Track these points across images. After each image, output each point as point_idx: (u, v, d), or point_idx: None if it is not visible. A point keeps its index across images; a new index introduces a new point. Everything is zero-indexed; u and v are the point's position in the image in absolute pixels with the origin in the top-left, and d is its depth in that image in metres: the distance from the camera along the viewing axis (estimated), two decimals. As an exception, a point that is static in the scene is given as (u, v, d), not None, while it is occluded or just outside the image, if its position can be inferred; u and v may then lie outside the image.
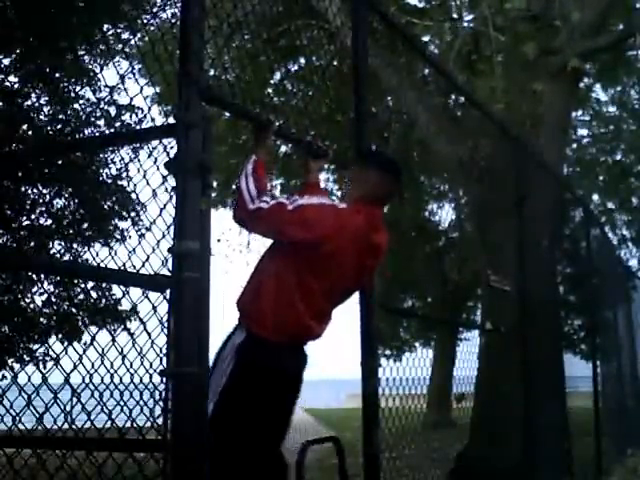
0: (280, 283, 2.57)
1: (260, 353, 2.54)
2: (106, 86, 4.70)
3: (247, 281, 2.67)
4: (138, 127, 4.65)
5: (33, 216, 4.46)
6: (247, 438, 2.50)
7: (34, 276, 4.21)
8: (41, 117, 4.52)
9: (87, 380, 2.37)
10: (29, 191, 4.34)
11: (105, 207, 4.53)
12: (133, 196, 4.12)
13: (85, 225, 4.45)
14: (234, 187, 12.90)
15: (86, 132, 4.55)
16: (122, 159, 4.32)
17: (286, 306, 2.56)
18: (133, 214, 4.42)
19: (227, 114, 6.91)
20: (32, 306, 4.56)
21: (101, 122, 4.64)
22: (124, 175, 4.29)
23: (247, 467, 2.49)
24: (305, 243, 2.55)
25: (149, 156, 2.35)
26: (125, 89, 2.74)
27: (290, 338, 2.61)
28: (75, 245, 4.45)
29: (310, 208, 2.57)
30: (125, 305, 4.16)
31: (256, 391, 2.52)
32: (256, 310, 2.57)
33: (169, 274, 1.99)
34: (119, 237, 4.55)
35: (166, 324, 2.04)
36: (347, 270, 2.67)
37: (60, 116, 4.57)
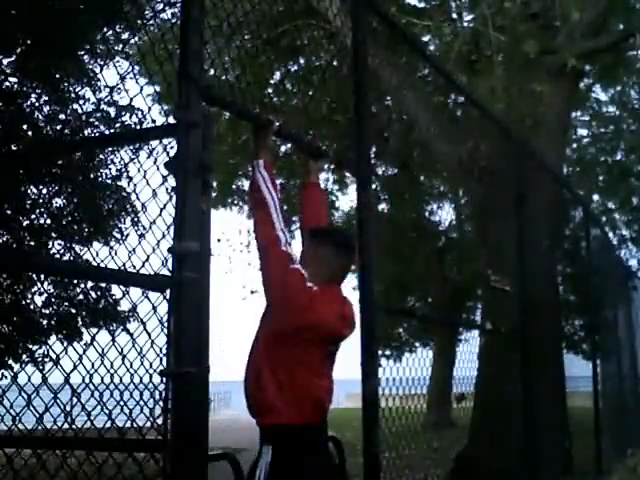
0: (280, 371, 2.62)
1: (290, 439, 2.61)
2: (106, 86, 4.70)
3: (247, 368, 2.72)
4: (138, 127, 4.65)
5: (33, 216, 4.46)
6: None
7: (34, 276, 4.21)
8: (41, 117, 4.52)
9: (87, 380, 2.36)
10: (29, 191, 4.34)
11: (105, 207, 4.54)
12: (133, 196, 4.12)
13: (85, 225, 4.45)
14: (234, 187, 12.92)
15: (86, 132, 4.55)
16: (122, 159, 4.32)
17: (292, 388, 2.61)
18: (133, 214, 4.42)
19: (227, 114, 6.91)
20: (32, 306, 4.56)
21: (101, 122, 4.64)
22: (124, 175, 4.29)
23: None
24: (295, 325, 2.63)
25: (149, 156, 2.35)
26: (126, 90, 2.74)
27: (306, 417, 2.66)
28: (75, 245, 4.45)
29: (302, 281, 2.63)
30: (125, 305, 4.16)
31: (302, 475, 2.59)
32: (266, 402, 2.62)
33: (169, 274, 1.99)
34: (119, 237, 4.54)
35: (166, 324, 2.04)
36: (333, 338, 2.79)
37: (60, 116, 4.57)
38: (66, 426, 2.42)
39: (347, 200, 16.72)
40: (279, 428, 2.60)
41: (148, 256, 2.24)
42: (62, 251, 4.43)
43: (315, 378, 2.70)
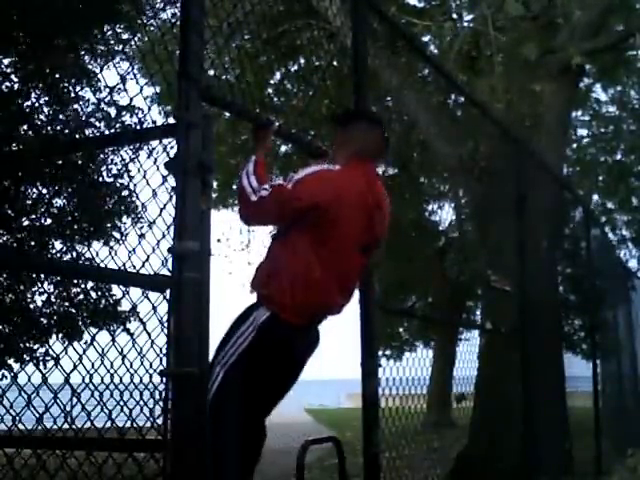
0: (295, 262, 2.58)
1: (281, 334, 2.56)
2: (106, 87, 4.70)
3: (260, 265, 2.69)
4: (138, 127, 4.64)
5: (33, 216, 4.46)
6: (245, 404, 2.54)
7: (34, 276, 4.21)
8: (41, 117, 4.52)
9: (87, 380, 2.36)
10: (29, 191, 4.34)
11: (105, 207, 4.53)
12: (133, 196, 4.12)
13: (85, 225, 4.45)
14: (235, 187, 12.91)
15: (86, 132, 4.55)
16: (122, 159, 4.32)
17: (305, 284, 2.57)
18: (133, 214, 4.42)
19: (227, 114, 6.91)
20: (32, 306, 4.56)
21: (101, 123, 4.64)
22: (124, 175, 4.29)
23: (236, 429, 2.51)
24: (312, 213, 2.56)
25: (149, 156, 2.35)
26: (126, 90, 2.74)
27: (310, 318, 2.65)
28: (75, 245, 4.44)
29: (308, 178, 2.60)
30: (125, 305, 4.15)
31: (267, 365, 2.56)
32: (275, 292, 2.57)
33: (169, 274, 1.99)
34: (119, 237, 4.54)
35: (166, 324, 2.04)
36: (358, 228, 2.68)
37: (60, 116, 4.57)
38: (66, 426, 2.42)
39: (347, 200, 16.67)
40: (281, 320, 2.55)
41: (148, 256, 2.24)
42: (62, 251, 4.43)
43: (336, 291, 2.65)
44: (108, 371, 2.40)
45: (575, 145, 13.87)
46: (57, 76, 4.34)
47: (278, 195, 2.54)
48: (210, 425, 2.10)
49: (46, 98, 4.38)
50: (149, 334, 2.16)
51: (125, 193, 4.48)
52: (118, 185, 4.52)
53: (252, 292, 2.64)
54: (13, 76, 4.33)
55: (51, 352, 4.27)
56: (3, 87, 4.19)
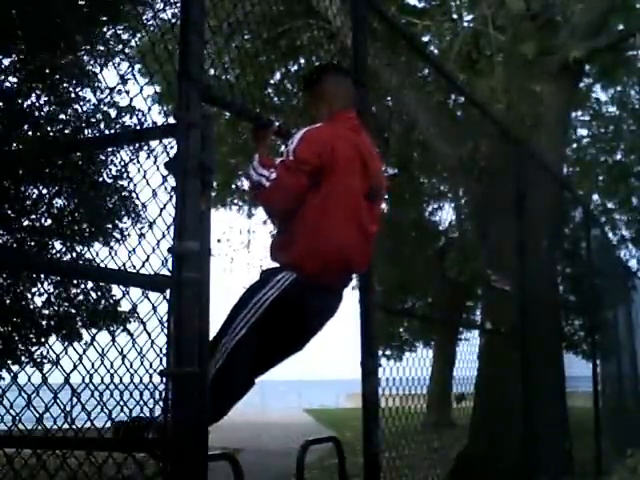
0: (309, 220, 2.60)
1: (311, 293, 2.58)
2: (107, 87, 4.70)
3: (275, 234, 2.75)
4: (138, 127, 4.64)
5: (33, 216, 4.46)
6: (252, 354, 2.54)
7: (34, 276, 4.21)
8: (41, 117, 4.52)
9: (87, 380, 2.36)
10: (29, 191, 4.34)
11: (105, 207, 4.53)
12: (133, 196, 4.12)
13: (85, 225, 4.45)
14: (234, 187, 12.92)
15: (86, 132, 4.55)
16: (122, 159, 4.32)
17: (322, 239, 2.59)
18: (133, 214, 4.42)
19: (227, 114, 6.91)
20: (32, 306, 4.56)
21: (101, 123, 4.64)
22: (124, 175, 4.29)
23: (233, 373, 2.51)
24: (320, 171, 2.59)
25: (149, 156, 2.35)
26: (126, 90, 2.74)
27: (335, 274, 2.66)
28: (75, 245, 4.45)
29: (303, 142, 2.62)
30: (125, 305, 4.16)
31: (285, 322, 2.57)
32: (295, 255, 2.59)
33: (169, 274, 1.99)
34: (119, 237, 4.54)
35: (166, 324, 2.04)
36: (358, 176, 2.71)
37: (60, 116, 4.57)
38: (66, 426, 2.42)
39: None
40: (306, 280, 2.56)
41: (148, 256, 2.24)
42: (62, 251, 4.43)
43: (342, 227, 2.65)
44: (108, 371, 2.39)
45: (575, 145, 13.87)
46: (57, 76, 4.34)
47: (286, 170, 2.57)
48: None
49: (46, 98, 4.38)
50: (149, 334, 2.16)
51: (125, 193, 4.49)
52: (118, 185, 4.52)
53: (274, 261, 2.65)
54: (12, 76, 4.33)
55: (51, 353, 4.27)
56: (3, 87, 4.19)
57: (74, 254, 4.29)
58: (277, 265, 2.63)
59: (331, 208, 2.60)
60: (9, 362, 4.68)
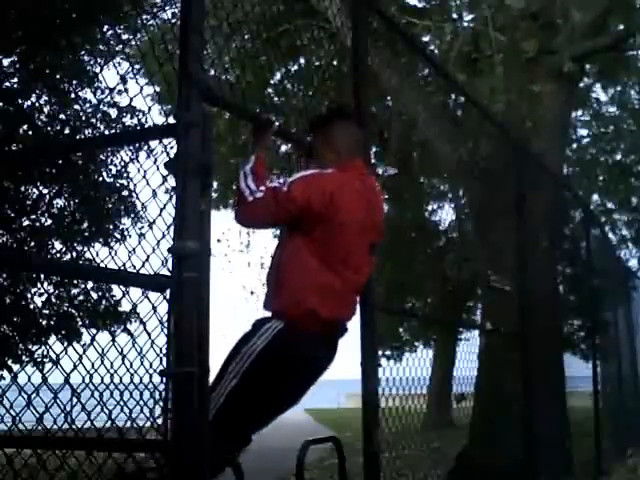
0: (302, 268, 2.56)
1: (296, 344, 2.53)
2: (107, 87, 4.70)
3: (267, 278, 2.69)
4: (138, 127, 4.65)
5: (34, 216, 4.46)
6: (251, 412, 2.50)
7: (34, 276, 4.21)
8: (42, 117, 4.52)
9: (87, 380, 2.36)
10: (29, 191, 4.34)
11: (105, 207, 4.54)
12: (133, 196, 4.12)
13: (85, 225, 4.45)
14: (235, 187, 12.92)
15: (86, 132, 4.55)
16: (122, 159, 4.32)
17: (315, 289, 2.56)
18: (133, 214, 4.42)
19: (227, 114, 6.91)
20: (32, 306, 4.56)
21: (101, 123, 4.65)
22: (124, 175, 4.29)
23: (232, 429, 2.46)
24: (308, 215, 2.56)
25: (149, 156, 2.35)
26: (126, 90, 2.74)
27: (327, 325, 2.62)
28: (75, 245, 4.45)
29: (302, 180, 2.59)
30: (125, 305, 4.16)
31: (278, 375, 2.52)
32: (286, 304, 2.56)
33: (169, 274, 1.99)
34: (119, 237, 4.55)
35: (166, 324, 2.04)
36: (361, 226, 2.68)
37: (61, 116, 4.57)
38: (66, 426, 2.42)
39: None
40: (296, 329, 2.52)
41: (148, 256, 2.24)
42: (63, 251, 4.43)
43: (347, 293, 2.63)
44: (108, 371, 2.40)
45: (575, 145, 13.86)
46: (57, 76, 4.34)
47: (273, 197, 2.53)
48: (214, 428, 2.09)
49: (46, 98, 4.38)
50: (149, 334, 2.16)
51: (125, 193, 4.49)
52: (118, 185, 4.52)
53: (266, 310, 2.61)
54: (13, 77, 4.33)
55: (51, 353, 4.27)
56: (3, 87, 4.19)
57: (74, 254, 4.29)
58: (269, 314, 2.59)
59: (322, 257, 2.57)
60: (9, 362, 4.68)
